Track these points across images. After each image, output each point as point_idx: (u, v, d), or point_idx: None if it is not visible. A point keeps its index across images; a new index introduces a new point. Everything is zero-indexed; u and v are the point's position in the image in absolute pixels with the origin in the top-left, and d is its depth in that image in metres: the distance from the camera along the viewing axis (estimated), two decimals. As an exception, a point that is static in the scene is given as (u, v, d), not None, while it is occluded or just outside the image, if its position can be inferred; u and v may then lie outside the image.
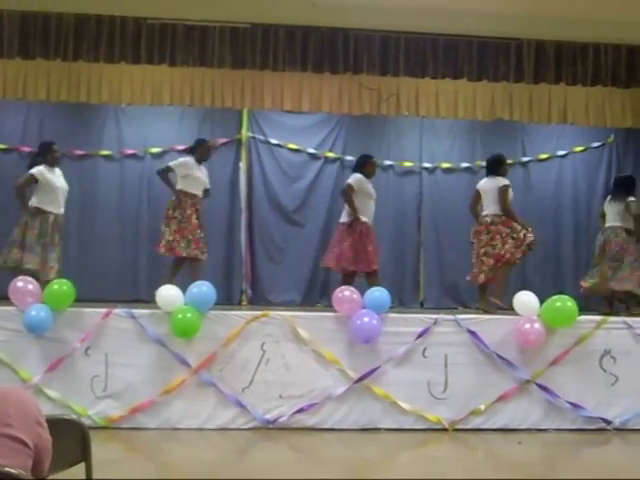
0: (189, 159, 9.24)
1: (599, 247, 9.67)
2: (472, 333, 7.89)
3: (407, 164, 11.84)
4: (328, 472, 6.32)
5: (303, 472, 6.16)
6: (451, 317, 8.04)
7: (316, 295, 11.40)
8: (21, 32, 9.19)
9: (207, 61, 9.49)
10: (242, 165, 11.48)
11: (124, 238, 11.25)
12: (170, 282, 8.24)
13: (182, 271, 9.08)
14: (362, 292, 8.02)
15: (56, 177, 8.87)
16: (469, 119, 10.92)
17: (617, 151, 12.04)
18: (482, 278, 9.07)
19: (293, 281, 11.41)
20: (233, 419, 7.63)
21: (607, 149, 12.06)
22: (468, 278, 9.32)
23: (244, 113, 11.41)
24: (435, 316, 8.05)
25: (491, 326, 7.98)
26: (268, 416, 7.63)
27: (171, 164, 9.24)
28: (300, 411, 7.65)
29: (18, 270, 8.31)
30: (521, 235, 8.94)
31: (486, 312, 8.72)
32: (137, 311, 7.75)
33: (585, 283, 9.73)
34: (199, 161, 9.27)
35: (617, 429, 7.95)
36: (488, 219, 9.06)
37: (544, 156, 12.03)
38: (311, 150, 11.64)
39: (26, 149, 10.87)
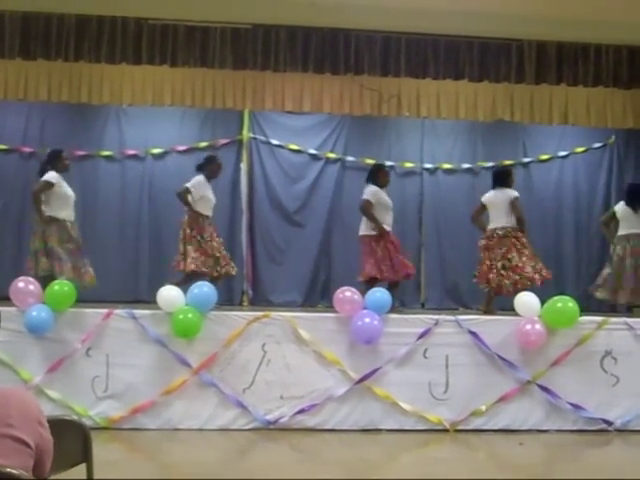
0: (202, 178, 9.13)
1: (618, 256, 9.47)
2: (473, 334, 7.89)
3: (408, 165, 11.84)
4: (329, 473, 6.32)
5: (304, 473, 6.16)
6: (452, 318, 8.04)
7: (317, 296, 11.40)
8: (22, 33, 9.20)
9: (208, 62, 9.50)
10: (243, 166, 11.49)
11: (125, 239, 11.25)
12: None
13: None
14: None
15: (68, 185, 8.83)
16: (470, 120, 10.93)
17: (618, 152, 12.04)
18: (499, 287, 9.01)
19: (294, 282, 11.41)
20: (234, 420, 7.63)
21: (608, 150, 12.06)
22: (476, 281, 9.27)
23: (245, 114, 11.42)
24: (436, 317, 8.05)
25: (492, 327, 7.98)
26: (269, 417, 7.63)
27: (189, 185, 9.03)
28: (301, 412, 7.65)
29: (51, 279, 8.19)
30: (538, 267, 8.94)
31: (486, 313, 8.71)
32: (138, 312, 7.75)
33: (600, 294, 9.62)
34: (209, 178, 9.19)
35: (618, 430, 7.94)
36: (500, 232, 9.01)
37: (545, 157, 12.03)
38: (312, 151, 11.64)
39: (27, 150, 10.89)
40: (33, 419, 2.13)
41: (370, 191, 9.27)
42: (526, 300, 8.12)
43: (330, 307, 8.55)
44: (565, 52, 9.95)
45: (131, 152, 11.34)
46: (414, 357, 7.85)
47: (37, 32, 9.23)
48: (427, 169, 11.89)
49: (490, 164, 11.63)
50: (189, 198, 8.99)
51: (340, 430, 7.68)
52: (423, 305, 11.61)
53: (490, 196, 9.23)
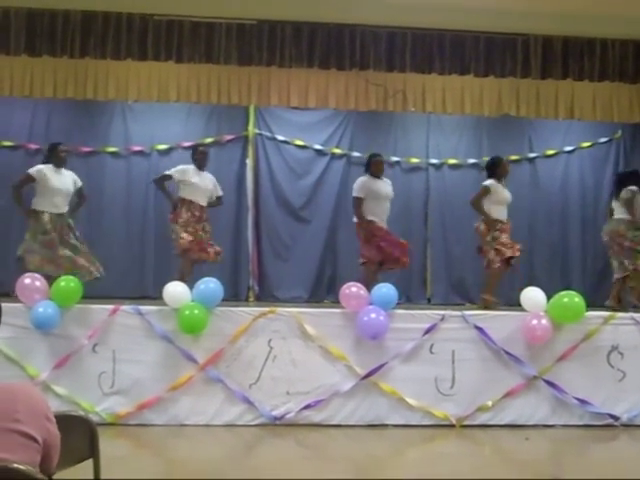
0: (189, 166, 9.21)
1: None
2: (479, 329, 7.89)
3: (414, 160, 11.83)
4: (335, 468, 6.33)
5: (310, 468, 6.17)
6: (458, 313, 8.04)
7: (323, 291, 11.41)
8: (28, 29, 9.20)
9: (214, 58, 9.49)
10: (249, 162, 11.48)
11: (131, 235, 11.26)
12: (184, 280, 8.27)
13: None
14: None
15: (59, 178, 8.73)
16: (476, 115, 10.90)
17: (624, 146, 12.01)
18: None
19: (300, 277, 11.41)
20: (240, 415, 7.64)
21: (614, 144, 12.03)
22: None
23: (251, 110, 11.41)
24: (442, 312, 8.06)
25: (498, 322, 7.98)
26: (275, 412, 7.64)
27: (168, 172, 9.23)
28: (307, 407, 7.66)
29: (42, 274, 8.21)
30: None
31: (487, 308, 8.68)
32: (144, 308, 7.76)
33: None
34: (200, 167, 9.23)
35: (625, 425, 7.94)
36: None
37: (551, 152, 12.01)
38: (318, 146, 11.63)
39: (33, 146, 10.89)
40: (40, 414, 2.13)
41: (358, 185, 9.28)
42: (532, 295, 8.12)
43: (336, 303, 8.56)
44: (571, 47, 9.92)
45: (137, 148, 11.34)
46: (420, 352, 7.86)
47: (42, 28, 9.22)
48: (433, 164, 11.87)
49: (496, 159, 11.61)
50: (166, 184, 9.23)
51: (346, 425, 7.68)
52: (429, 300, 11.60)
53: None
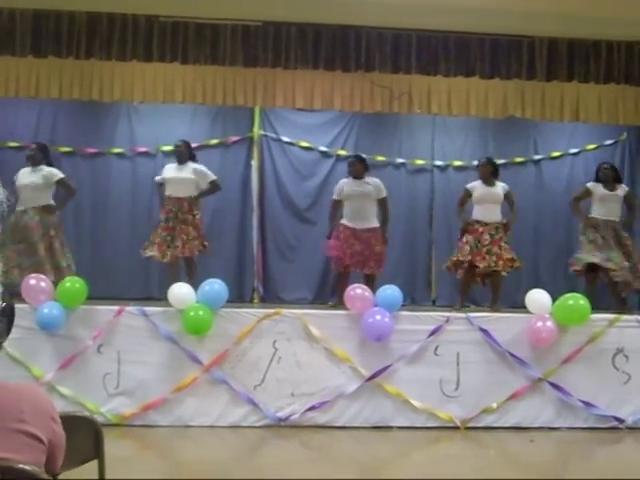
0: (170, 165, 9.55)
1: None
2: (484, 331, 7.88)
3: (419, 162, 11.81)
4: (340, 470, 6.33)
5: (315, 470, 6.17)
6: (463, 315, 8.04)
7: (328, 293, 11.39)
8: (34, 30, 9.21)
9: (219, 59, 9.50)
10: (254, 163, 11.48)
11: (136, 236, 11.23)
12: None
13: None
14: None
15: (26, 175, 8.97)
16: (481, 117, 10.88)
17: (630, 149, 11.97)
18: None
19: (305, 279, 11.40)
20: (245, 417, 7.65)
21: (620, 147, 11.99)
22: None
23: (256, 111, 11.40)
24: (447, 314, 8.06)
25: (503, 324, 7.97)
26: (280, 414, 7.64)
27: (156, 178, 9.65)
28: (312, 409, 7.66)
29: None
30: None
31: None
32: (149, 309, 7.77)
33: None
34: (179, 162, 9.39)
35: (630, 428, 7.93)
36: None
37: (556, 154, 11.98)
38: (323, 148, 11.62)
39: (38, 147, 10.90)
40: (46, 414, 2.14)
41: (336, 187, 9.58)
42: (537, 297, 8.12)
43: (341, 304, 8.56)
44: (576, 49, 9.91)
45: (142, 149, 11.34)
46: (425, 354, 7.86)
47: (48, 30, 9.24)
48: (438, 166, 11.86)
49: (501, 161, 11.59)
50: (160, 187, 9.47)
51: (351, 427, 7.69)
52: (434, 302, 11.59)
53: None
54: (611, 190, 9.45)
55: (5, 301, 2.02)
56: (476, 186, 9.24)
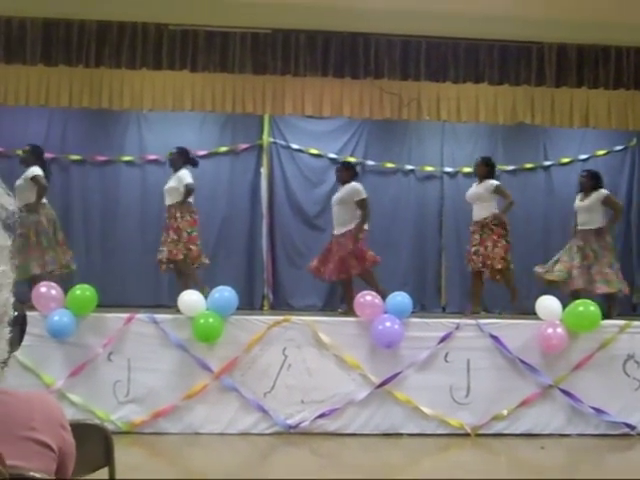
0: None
1: None
2: (494, 338, 7.87)
3: (428, 169, 11.80)
4: (350, 477, 6.31)
5: (325, 477, 6.16)
6: (473, 322, 8.03)
7: (337, 300, 11.37)
8: (44, 39, 9.24)
9: (228, 67, 9.51)
10: (263, 170, 11.49)
11: (146, 243, 11.26)
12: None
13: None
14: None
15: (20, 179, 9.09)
16: (490, 123, 10.88)
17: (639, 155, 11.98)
18: None
19: (314, 286, 11.38)
20: (255, 424, 7.64)
21: (629, 153, 11.97)
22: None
23: (265, 118, 11.42)
24: (457, 321, 8.05)
25: (513, 331, 7.96)
26: (290, 421, 7.64)
27: None
28: (322, 416, 7.65)
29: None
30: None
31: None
32: (159, 316, 7.79)
33: None
34: (174, 170, 9.49)
35: (641, 434, 7.90)
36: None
37: (566, 160, 11.96)
38: (332, 155, 11.62)
39: (49, 155, 10.91)
40: (56, 422, 2.13)
41: None
42: (548, 304, 8.10)
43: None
44: (586, 55, 9.89)
45: (152, 157, 11.36)
46: (435, 361, 7.84)
47: (58, 38, 9.26)
48: (447, 173, 11.85)
49: (511, 167, 11.60)
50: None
51: (361, 434, 7.68)
52: (444, 309, 11.57)
53: None
54: (582, 200, 9.43)
55: (17, 310, 2.02)
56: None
